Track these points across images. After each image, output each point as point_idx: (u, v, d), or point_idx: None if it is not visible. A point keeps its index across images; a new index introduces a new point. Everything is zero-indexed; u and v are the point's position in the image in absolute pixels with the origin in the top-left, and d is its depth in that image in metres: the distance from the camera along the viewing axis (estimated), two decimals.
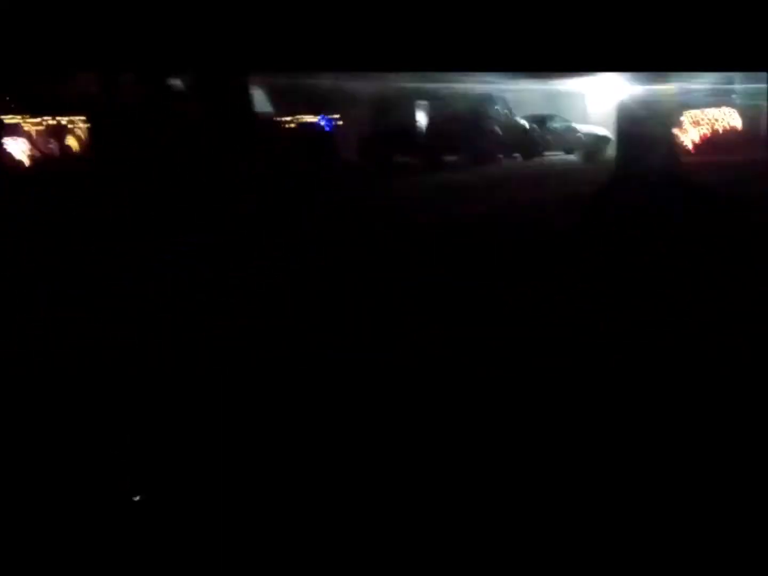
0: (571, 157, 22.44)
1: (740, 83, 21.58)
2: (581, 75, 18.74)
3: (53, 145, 18.56)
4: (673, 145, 16.51)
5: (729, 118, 22.36)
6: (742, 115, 22.27)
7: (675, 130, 17.42)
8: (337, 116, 21.20)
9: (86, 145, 18.16)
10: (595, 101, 24.00)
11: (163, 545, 3.80)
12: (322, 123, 21.20)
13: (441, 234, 11.27)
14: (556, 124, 23.03)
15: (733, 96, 22.15)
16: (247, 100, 16.99)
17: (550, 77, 20.16)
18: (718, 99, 21.62)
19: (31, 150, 18.44)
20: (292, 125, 20.70)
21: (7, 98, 18.10)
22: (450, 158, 21.44)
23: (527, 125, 22.78)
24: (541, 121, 22.95)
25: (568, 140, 22.91)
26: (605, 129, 21.09)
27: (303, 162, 18.14)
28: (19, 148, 18.36)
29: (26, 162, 18.41)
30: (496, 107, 22.47)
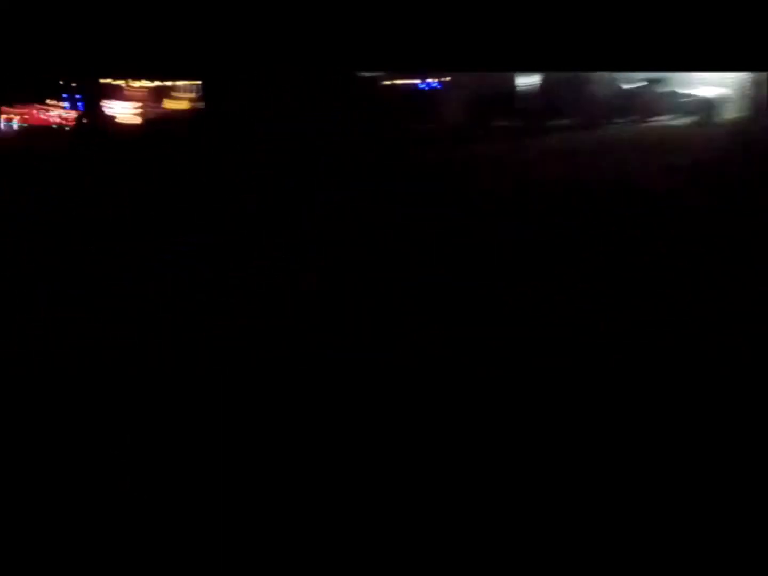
0: (683, 122, 21.98)
1: None
2: None
3: None
4: None
5: None
6: None
7: None
8: (444, 79, 21.08)
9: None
10: None
11: (162, 544, 3.78)
12: (428, 85, 21.10)
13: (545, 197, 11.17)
14: (665, 88, 22.56)
15: None
16: None
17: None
18: None
19: None
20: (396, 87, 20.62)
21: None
22: (553, 123, 21.20)
23: (635, 88, 22.37)
24: (649, 84, 22.51)
25: (679, 104, 22.43)
26: (719, 91, 20.59)
27: (408, 124, 18.10)
28: None
29: None
30: None
